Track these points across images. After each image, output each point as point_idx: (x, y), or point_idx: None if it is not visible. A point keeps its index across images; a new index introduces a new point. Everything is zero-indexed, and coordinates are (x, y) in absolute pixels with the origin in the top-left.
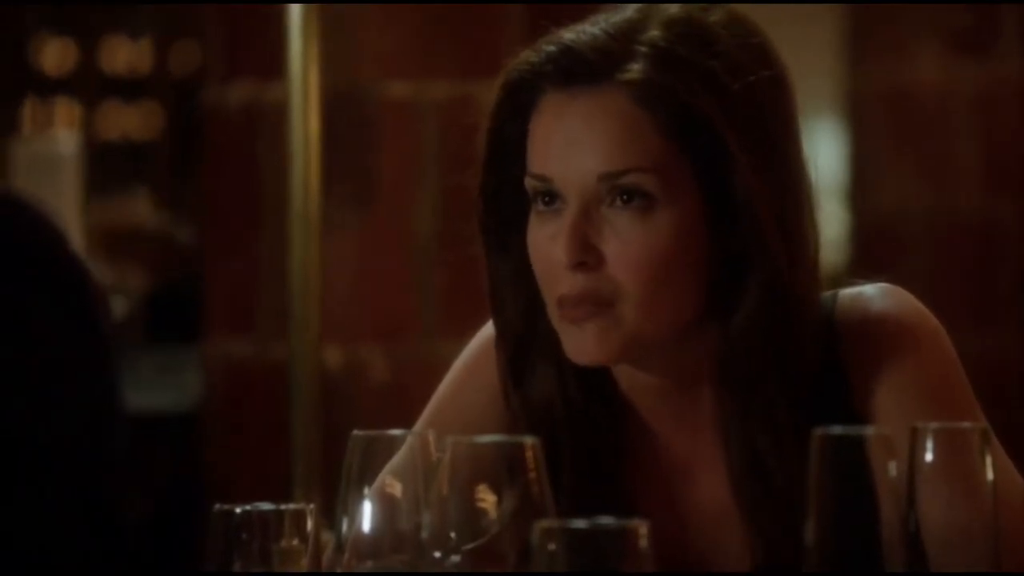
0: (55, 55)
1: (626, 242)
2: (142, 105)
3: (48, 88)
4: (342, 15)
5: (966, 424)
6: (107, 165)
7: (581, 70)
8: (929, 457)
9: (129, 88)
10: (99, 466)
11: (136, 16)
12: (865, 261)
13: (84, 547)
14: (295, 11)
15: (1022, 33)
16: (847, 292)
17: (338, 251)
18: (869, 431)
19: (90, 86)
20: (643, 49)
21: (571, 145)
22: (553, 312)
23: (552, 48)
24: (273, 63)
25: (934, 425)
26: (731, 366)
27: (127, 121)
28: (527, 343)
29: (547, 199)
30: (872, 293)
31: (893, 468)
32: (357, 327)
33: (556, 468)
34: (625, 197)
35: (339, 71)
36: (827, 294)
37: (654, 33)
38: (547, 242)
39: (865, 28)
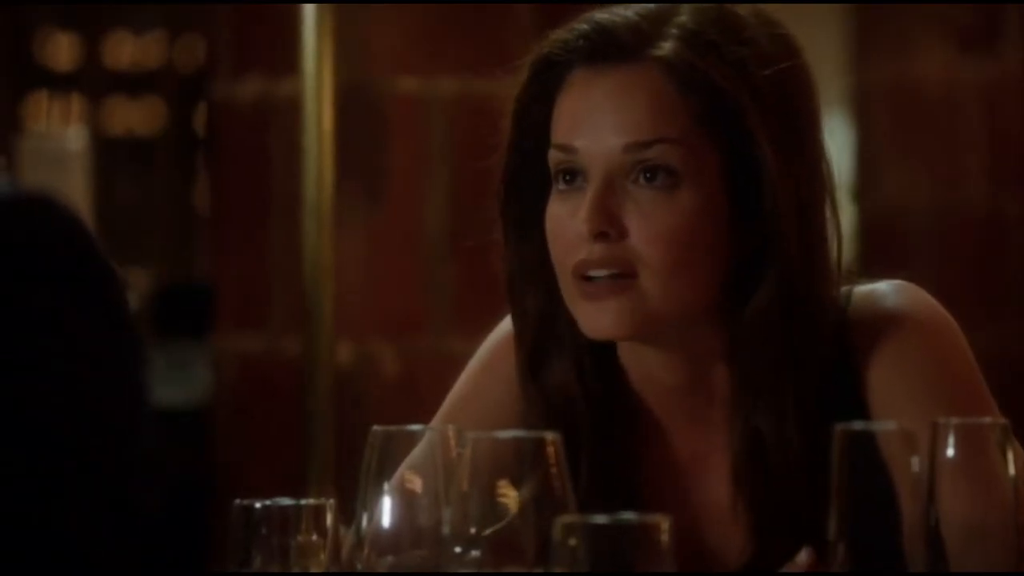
0: (61, 51)
1: (649, 217)
2: (147, 101)
3: (54, 84)
4: (353, 12)
5: (986, 420)
6: (113, 160)
7: (613, 47)
8: (949, 452)
9: (135, 84)
10: (127, 466)
11: (141, 12)
12: (870, 257)
13: (114, 547)
14: (309, 9)
15: None
16: (861, 289)
17: (350, 246)
18: (890, 427)
19: (96, 82)
20: (675, 31)
21: (598, 117)
22: (569, 287)
23: (585, 26)
24: (283, 59)
25: (954, 421)
26: (743, 349)
27: (132, 117)
28: (546, 333)
29: (568, 176)
30: (886, 290)
31: (915, 464)
32: (369, 323)
33: (572, 462)
34: (649, 175)
35: (349, 67)
36: (841, 291)
37: (685, 18)
38: (567, 217)
39: (869, 25)
